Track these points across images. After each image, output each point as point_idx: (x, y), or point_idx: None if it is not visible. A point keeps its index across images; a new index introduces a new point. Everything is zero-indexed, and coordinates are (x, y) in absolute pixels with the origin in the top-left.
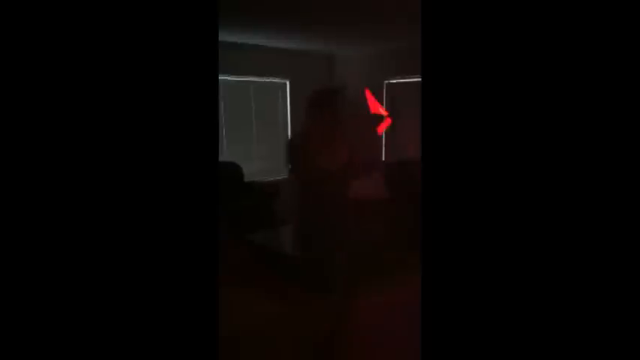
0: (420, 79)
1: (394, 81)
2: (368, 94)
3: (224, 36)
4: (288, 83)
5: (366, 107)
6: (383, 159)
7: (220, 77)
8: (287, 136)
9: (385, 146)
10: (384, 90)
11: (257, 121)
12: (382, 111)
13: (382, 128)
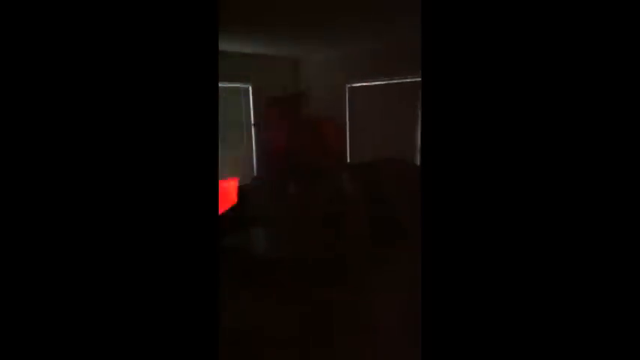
0: (382, 83)
1: (357, 85)
2: None
3: None
4: (250, 88)
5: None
6: (348, 160)
7: None
8: (251, 140)
9: (350, 148)
10: (347, 94)
11: (221, 126)
12: None
13: None
